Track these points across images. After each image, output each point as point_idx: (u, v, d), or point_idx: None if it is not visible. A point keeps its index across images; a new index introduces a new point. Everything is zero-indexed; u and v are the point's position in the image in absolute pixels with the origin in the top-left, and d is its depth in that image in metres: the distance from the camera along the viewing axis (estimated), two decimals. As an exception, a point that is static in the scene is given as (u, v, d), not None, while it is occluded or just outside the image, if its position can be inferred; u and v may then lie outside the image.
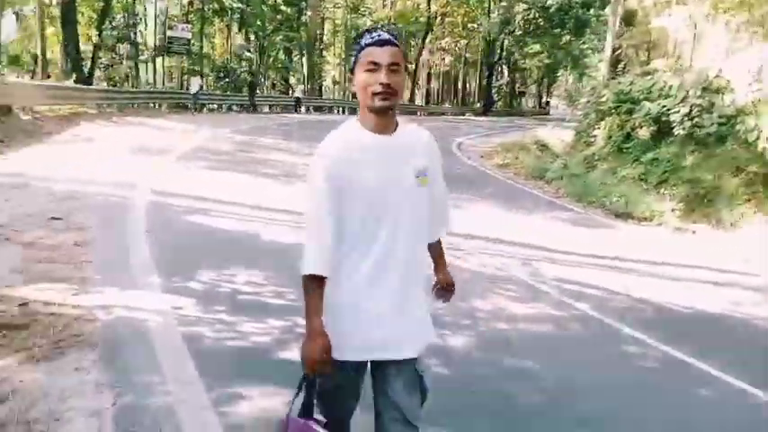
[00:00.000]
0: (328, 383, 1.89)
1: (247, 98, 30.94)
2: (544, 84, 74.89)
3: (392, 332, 1.91)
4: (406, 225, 1.90)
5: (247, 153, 13.21)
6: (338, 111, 41.54)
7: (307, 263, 1.81)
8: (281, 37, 38.54)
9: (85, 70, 23.53)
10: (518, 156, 18.06)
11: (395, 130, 1.93)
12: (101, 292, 4.21)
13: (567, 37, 45.68)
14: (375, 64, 1.83)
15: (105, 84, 28.36)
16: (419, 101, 54.04)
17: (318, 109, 38.09)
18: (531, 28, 43.49)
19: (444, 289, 2.23)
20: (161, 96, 28.17)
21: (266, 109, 32.93)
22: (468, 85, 64.11)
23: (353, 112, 35.99)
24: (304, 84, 37.74)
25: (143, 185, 8.11)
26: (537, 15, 40.34)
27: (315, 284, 1.82)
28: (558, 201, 11.20)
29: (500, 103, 61.02)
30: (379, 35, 1.88)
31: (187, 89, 28.76)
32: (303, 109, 33.08)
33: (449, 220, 2.20)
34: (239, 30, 37.54)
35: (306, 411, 1.88)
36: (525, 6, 40.44)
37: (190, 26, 30.40)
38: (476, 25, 53.21)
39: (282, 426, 1.90)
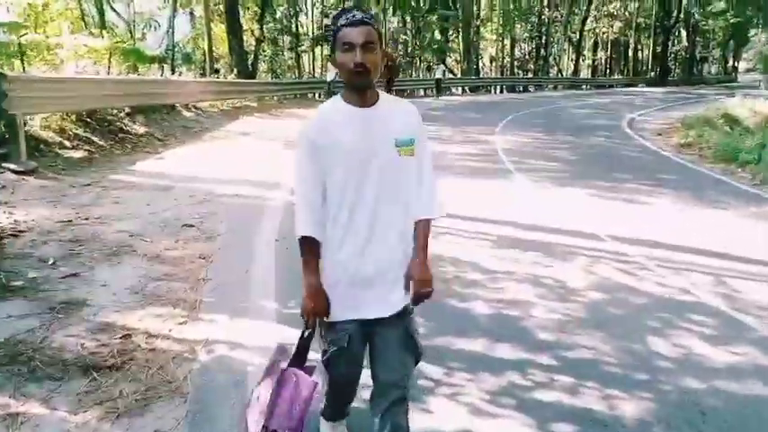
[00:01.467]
0: (332, 347, 2.10)
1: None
2: (730, 47, 66.63)
3: (374, 296, 2.07)
4: (386, 192, 2.01)
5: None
6: (495, 90, 40.01)
7: (298, 226, 2.02)
8: (436, 16, 37.85)
9: (249, 64, 24.63)
10: (702, 133, 15.65)
11: (375, 102, 2.04)
12: (209, 320, 3.78)
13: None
14: (350, 44, 1.91)
15: (269, 76, 29.59)
16: (584, 73, 50.55)
17: (475, 89, 36.93)
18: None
19: (416, 286, 2.10)
20: (319, 86, 28.78)
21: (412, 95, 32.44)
22: (639, 53, 58.79)
23: (512, 89, 34.47)
24: (445, 64, 36.42)
25: (287, 184, 7.81)
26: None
27: (308, 245, 2.03)
28: (756, 191, 9.26)
29: (678, 71, 55.35)
30: (353, 15, 1.95)
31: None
32: (441, 96, 30.70)
33: (435, 204, 2.15)
34: (394, 12, 37.39)
35: (295, 362, 2.07)
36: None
37: (345, 13, 30.68)
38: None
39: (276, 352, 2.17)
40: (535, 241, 5.89)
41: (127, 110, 11.55)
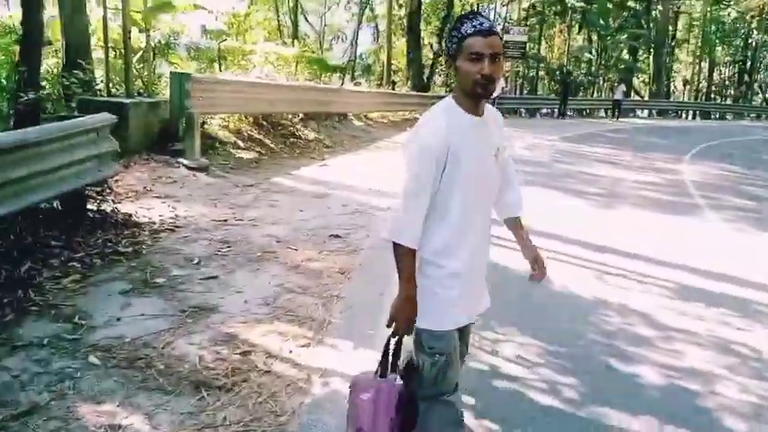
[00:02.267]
0: (439, 357, 2.04)
1: (558, 103, 27.59)
2: None
3: (472, 299, 2.16)
4: (486, 199, 2.14)
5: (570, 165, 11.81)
6: (686, 115, 36.60)
7: (402, 233, 1.98)
8: (625, 35, 35.49)
9: (425, 78, 24.79)
10: None
11: (484, 111, 2.05)
12: (332, 346, 3.48)
13: None
14: (478, 54, 1.89)
15: (443, 90, 29.59)
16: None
17: (663, 113, 34.06)
18: None
19: (543, 267, 2.33)
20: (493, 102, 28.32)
21: (580, 115, 30.53)
22: None
23: (707, 116, 31.26)
24: (627, 84, 33.67)
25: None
26: None
27: (407, 252, 1.98)
28: None
29: None
30: (481, 23, 1.91)
31: (519, 92, 28.14)
32: (620, 118, 28.27)
33: (523, 202, 2.37)
34: (579, 30, 35.73)
35: (381, 371, 2.06)
36: None
37: (526, 29, 29.80)
38: None
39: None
40: (726, 295, 4.90)
41: (300, 115, 11.96)
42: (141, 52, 10.15)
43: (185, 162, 7.83)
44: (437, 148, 1.91)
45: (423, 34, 27.14)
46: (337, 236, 5.68)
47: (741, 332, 4.22)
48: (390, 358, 2.06)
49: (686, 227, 7.55)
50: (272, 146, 10.20)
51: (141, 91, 9.23)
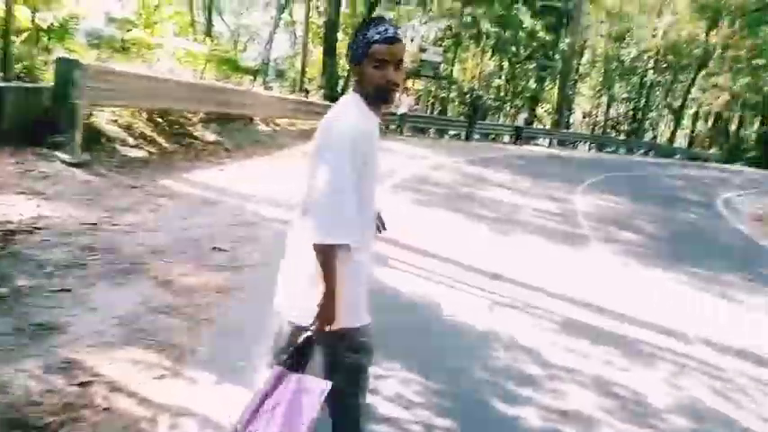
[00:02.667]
0: (364, 354, 2.09)
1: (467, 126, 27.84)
2: None
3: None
4: (375, 197, 2.13)
5: (471, 188, 11.91)
6: (584, 146, 38.57)
7: (338, 231, 1.89)
8: (534, 65, 37.05)
9: (339, 88, 24.60)
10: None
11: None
12: (192, 379, 3.10)
13: None
14: (383, 61, 1.94)
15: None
16: (680, 143, 48.09)
17: (563, 142, 35.69)
18: None
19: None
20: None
21: (486, 138, 31.49)
22: (741, 131, 55.51)
23: (602, 148, 32.80)
24: (533, 113, 35.23)
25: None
26: None
27: (343, 252, 1.92)
28: None
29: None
30: (386, 30, 1.94)
31: (430, 112, 28.37)
32: (520, 144, 29.09)
33: None
34: (492, 56, 36.91)
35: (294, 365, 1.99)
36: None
37: (441, 49, 30.36)
38: (764, 61, 45.71)
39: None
40: (611, 333, 4.93)
41: (201, 115, 11.35)
42: (28, 32, 9.27)
43: (63, 156, 7.11)
44: (360, 141, 1.92)
45: (339, 45, 26.98)
46: (222, 249, 5.27)
47: (624, 373, 4.21)
48: (300, 358, 2.01)
49: (576, 258, 7.69)
50: (166, 145, 9.56)
51: (22, 75, 8.40)
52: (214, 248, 5.25)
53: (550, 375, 3.95)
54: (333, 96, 22.07)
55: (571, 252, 7.94)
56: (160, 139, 9.59)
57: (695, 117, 51.08)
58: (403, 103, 21.84)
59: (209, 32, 26.34)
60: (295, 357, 1.99)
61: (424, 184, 11.27)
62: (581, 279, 6.53)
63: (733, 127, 54.08)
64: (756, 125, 51.16)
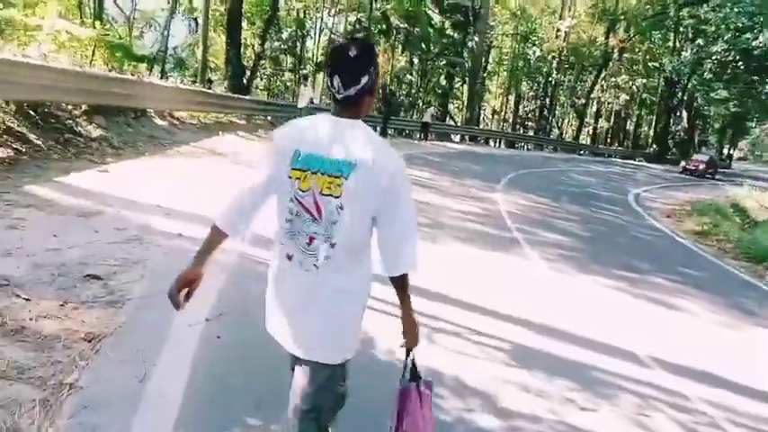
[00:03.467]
0: (346, 388, 2.14)
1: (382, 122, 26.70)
2: (726, 135, 66.82)
3: None
4: None
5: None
6: (494, 143, 39.02)
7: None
8: (444, 62, 36.92)
9: (245, 80, 23.21)
10: (718, 223, 14.41)
11: None
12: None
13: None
14: None
15: (265, 96, 28.16)
16: (583, 140, 49.87)
17: (474, 139, 35.88)
18: (729, 71, 37.86)
19: None
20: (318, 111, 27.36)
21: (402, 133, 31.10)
22: (640, 129, 58.58)
23: (512, 145, 33.17)
24: (445, 110, 35.03)
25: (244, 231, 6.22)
26: (736, 58, 34.95)
27: None
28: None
29: (675, 150, 54.88)
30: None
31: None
32: (428, 140, 28.43)
33: None
34: (402, 51, 36.43)
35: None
36: (724, 47, 35.15)
37: (353, 43, 29.48)
38: (657, 64, 48.25)
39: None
40: (564, 361, 4.34)
41: (84, 107, 9.90)
42: None
43: None
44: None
45: (245, 34, 25.56)
46: (97, 277, 4.18)
47: (586, 413, 3.59)
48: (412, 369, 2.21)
49: (511, 267, 7.12)
50: (39, 142, 8.10)
51: None
52: (87, 276, 4.14)
53: (509, 427, 3.25)
54: (239, 88, 20.71)
55: (504, 260, 7.39)
56: (31, 135, 8.12)
57: (597, 115, 53.15)
58: (304, 96, 20.11)
59: (99, 16, 24.12)
60: (412, 373, 2.21)
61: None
62: (520, 293, 5.95)
63: (631, 126, 56.94)
64: (653, 123, 53.88)
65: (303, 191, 1.95)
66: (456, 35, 37.03)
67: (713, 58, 36.43)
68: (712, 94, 54.13)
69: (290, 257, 2.02)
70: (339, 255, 1.96)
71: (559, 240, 9.46)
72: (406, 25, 32.22)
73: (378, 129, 27.73)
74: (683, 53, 41.50)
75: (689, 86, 51.10)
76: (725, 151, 67.83)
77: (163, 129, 12.16)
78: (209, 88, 20.12)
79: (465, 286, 5.64)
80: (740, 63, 34.79)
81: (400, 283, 2.09)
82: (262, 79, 28.31)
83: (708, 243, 12.03)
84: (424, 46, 34.16)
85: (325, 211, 1.94)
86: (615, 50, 44.73)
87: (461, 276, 6.09)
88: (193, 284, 2.07)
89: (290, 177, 1.95)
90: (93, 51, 18.71)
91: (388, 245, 2.03)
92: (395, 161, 1.98)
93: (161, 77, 19.56)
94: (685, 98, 53.08)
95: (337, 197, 1.92)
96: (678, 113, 55.00)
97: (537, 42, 43.97)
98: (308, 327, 2.02)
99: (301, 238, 1.98)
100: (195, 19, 30.47)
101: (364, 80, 1.92)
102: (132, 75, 13.70)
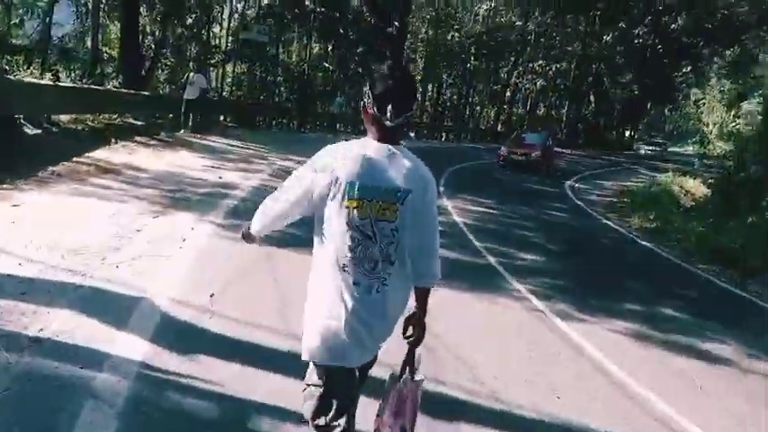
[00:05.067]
0: None
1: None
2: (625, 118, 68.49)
3: None
4: None
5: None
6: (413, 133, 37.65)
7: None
8: (361, 49, 34.97)
9: (144, 71, 20.38)
10: (663, 215, 13.72)
11: None
12: None
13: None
14: None
15: (167, 89, 25.07)
16: (501, 128, 49.42)
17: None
18: (649, 54, 38.12)
19: None
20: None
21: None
22: (553, 113, 59.05)
23: (431, 136, 31.57)
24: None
25: (152, 298, 4.26)
26: (656, 42, 35.14)
27: None
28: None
29: (584, 135, 55.70)
30: None
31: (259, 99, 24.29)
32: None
33: None
34: (319, 39, 34.16)
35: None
36: (644, 30, 35.15)
37: (266, 29, 27.00)
38: (570, 48, 48.41)
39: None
40: None
41: None
42: None
43: None
44: None
45: (144, 21, 22.62)
46: None
47: None
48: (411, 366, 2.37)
49: (512, 319, 5.45)
50: None
51: None
52: None
53: None
54: (136, 82, 17.93)
55: (497, 307, 5.74)
56: None
57: (512, 101, 52.86)
58: (194, 85, 15.97)
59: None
60: (407, 370, 2.35)
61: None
62: (531, 361, 4.29)
63: (541, 112, 57.24)
64: (565, 109, 54.31)
65: (361, 219, 2.08)
66: (373, 20, 35.13)
67: (635, 41, 36.49)
68: (618, 77, 55.42)
69: (357, 284, 2.12)
70: (399, 272, 2.17)
71: (536, 262, 8.01)
72: (323, 9, 30.05)
73: (295, 123, 25.67)
74: (605, 37, 41.51)
75: (599, 70, 51.91)
76: (626, 133, 69.48)
77: (37, 140, 9.59)
78: (101, 84, 17.30)
79: (482, 376, 3.91)
80: (659, 47, 35.04)
81: (426, 290, 2.29)
82: (163, 71, 25.29)
83: (668, 243, 11.06)
84: (341, 31, 32.10)
85: (380, 235, 2.10)
86: (532, 34, 44.39)
87: (466, 354, 4.34)
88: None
89: (346, 208, 2.07)
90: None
91: (421, 256, 2.19)
92: (431, 178, 2.19)
93: (41, 73, 16.55)
94: (591, 82, 53.83)
95: (392, 221, 2.10)
96: (587, 98, 55.84)
97: (454, 27, 42.74)
98: (377, 336, 2.23)
99: (366, 263, 2.12)
100: (86, 4, 26.90)
101: (415, 107, 2.18)
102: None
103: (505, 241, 8.96)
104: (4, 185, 6.88)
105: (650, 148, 46.94)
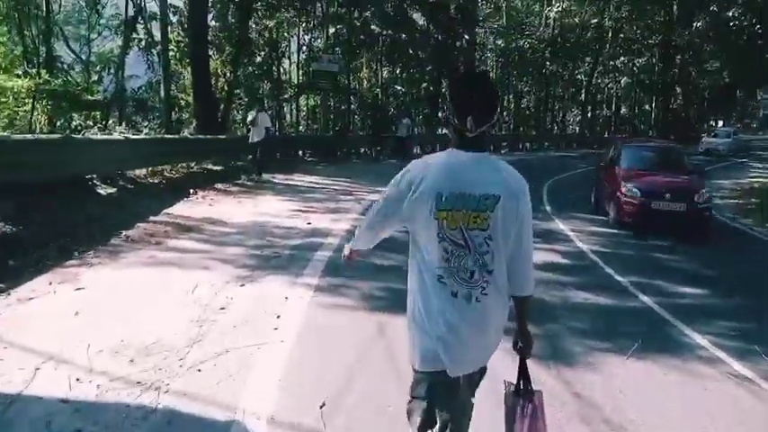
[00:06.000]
0: None
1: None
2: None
3: None
4: None
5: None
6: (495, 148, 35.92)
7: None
8: (430, 67, 33.86)
9: (219, 115, 19.99)
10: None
11: None
12: None
13: None
14: None
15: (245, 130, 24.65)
16: (587, 131, 46.78)
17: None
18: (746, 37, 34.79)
19: None
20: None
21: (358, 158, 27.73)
22: (638, 112, 55.70)
23: (514, 147, 29.63)
24: (411, 117, 30.05)
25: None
26: (752, 21, 31.98)
27: None
28: None
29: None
30: None
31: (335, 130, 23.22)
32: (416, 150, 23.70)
33: None
34: (388, 61, 33.26)
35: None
36: (740, 11, 31.99)
37: (337, 57, 26.31)
38: (652, 40, 45.41)
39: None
40: None
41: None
42: None
43: None
44: None
45: (214, 64, 22.38)
46: None
47: None
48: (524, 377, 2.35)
49: (716, 401, 3.94)
50: None
51: None
52: None
53: None
54: (213, 127, 17.44)
55: (670, 365, 4.31)
56: None
57: (595, 103, 50.19)
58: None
59: (48, 63, 20.91)
60: (523, 380, 2.34)
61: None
62: None
63: (623, 110, 54.14)
64: (653, 104, 51.13)
65: (452, 229, 2.08)
66: (440, 37, 34.01)
67: (730, 24, 33.34)
68: (705, 66, 51.66)
69: (455, 294, 2.11)
70: (497, 281, 2.14)
71: (698, 297, 6.42)
72: (389, 32, 29.17)
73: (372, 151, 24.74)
74: (695, 23, 38.42)
75: (684, 60, 48.54)
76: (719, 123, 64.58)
77: (110, 200, 8.85)
78: (178, 131, 16.91)
79: None
80: (757, 27, 31.75)
81: (525, 301, 2.27)
82: (238, 112, 25.03)
83: None
84: (411, 52, 31.10)
85: (474, 244, 2.09)
86: (609, 31, 41.91)
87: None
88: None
89: (436, 219, 2.07)
90: (33, 104, 15.57)
91: (520, 266, 2.18)
92: (523, 185, 2.15)
93: (119, 125, 16.32)
94: (678, 73, 50.37)
95: (484, 230, 2.08)
96: (673, 90, 52.29)
97: (525, 33, 40.92)
98: (482, 345, 2.21)
99: (462, 273, 2.11)
100: (157, 53, 27.27)
101: (496, 116, 2.11)
102: (69, 131, 10.50)
103: (647, 271, 7.38)
104: (72, 261, 6.01)
105: (712, 140, 33.38)
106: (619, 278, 6.93)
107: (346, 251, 2.59)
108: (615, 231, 10.00)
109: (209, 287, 5.46)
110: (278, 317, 4.80)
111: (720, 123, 55.98)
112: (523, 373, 2.34)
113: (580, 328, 5.17)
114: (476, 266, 2.08)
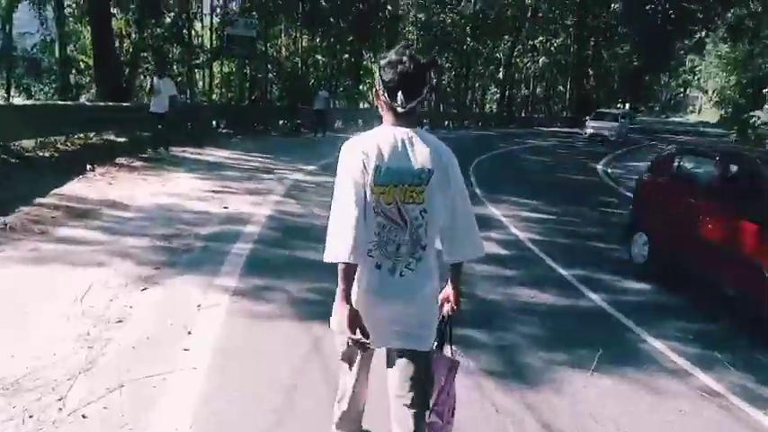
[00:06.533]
0: None
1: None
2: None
3: None
4: None
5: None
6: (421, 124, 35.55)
7: None
8: (351, 38, 32.82)
9: (124, 81, 18.22)
10: None
11: None
12: None
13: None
14: None
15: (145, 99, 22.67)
16: (505, 111, 47.35)
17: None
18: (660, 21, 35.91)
19: None
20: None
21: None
22: (553, 93, 57.07)
23: (434, 125, 29.36)
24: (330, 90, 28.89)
25: None
26: (667, 6, 32.98)
27: None
28: None
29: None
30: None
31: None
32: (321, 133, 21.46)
33: None
34: (306, 28, 31.82)
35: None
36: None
37: (254, 22, 24.78)
38: (568, 22, 46.44)
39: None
40: None
41: None
42: None
43: None
44: None
45: (118, 24, 20.38)
46: None
47: None
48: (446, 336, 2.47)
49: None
50: None
51: None
52: None
53: None
54: (117, 93, 15.76)
55: (636, 381, 3.92)
56: None
57: (513, 82, 50.77)
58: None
59: None
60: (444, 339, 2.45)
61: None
62: None
63: (542, 91, 55.30)
64: (567, 86, 52.42)
65: (388, 204, 2.09)
66: (362, 6, 32.94)
67: (647, 7, 34.24)
68: (617, 49, 53.60)
69: (378, 267, 2.12)
70: (428, 257, 2.17)
71: (646, 293, 6.14)
72: (309, -1, 27.84)
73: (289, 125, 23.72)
74: (613, 5, 39.33)
75: (598, 42, 50.01)
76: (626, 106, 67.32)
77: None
78: (78, 98, 15.18)
79: None
80: (671, 12, 32.81)
81: (460, 265, 2.34)
82: (146, 77, 23.04)
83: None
84: (332, 20, 29.92)
85: (409, 218, 2.11)
86: (529, 9, 42.30)
87: None
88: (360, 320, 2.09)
89: (373, 194, 2.06)
90: None
91: (464, 228, 2.21)
92: (452, 157, 2.20)
93: (7, 89, 14.45)
94: (591, 56, 51.88)
95: (420, 203, 2.11)
96: (586, 72, 53.85)
97: (449, 6, 40.46)
98: (409, 321, 2.17)
99: (390, 246, 2.12)
100: (53, 8, 24.62)
101: (425, 91, 2.12)
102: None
103: (591, 263, 7.06)
104: None
105: (595, 124, 30.45)
106: (562, 271, 6.55)
107: (342, 287, 2.09)
108: (545, 217, 9.73)
109: (103, 291, 4.52)
110: (189, 332, 3.96)
111: (627, 106, 58.25)
112: (445, 336, 2.44)
113: (534, 335, 4.68)
114: (408, 241, 2.11)
